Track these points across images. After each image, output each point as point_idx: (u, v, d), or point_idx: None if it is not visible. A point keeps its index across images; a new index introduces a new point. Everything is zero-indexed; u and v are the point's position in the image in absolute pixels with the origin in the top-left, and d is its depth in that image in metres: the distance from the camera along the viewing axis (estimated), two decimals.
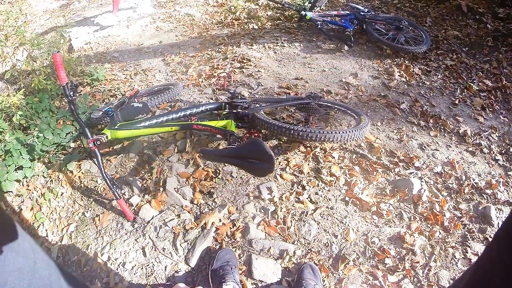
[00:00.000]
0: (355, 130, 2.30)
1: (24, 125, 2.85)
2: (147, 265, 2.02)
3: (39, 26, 6.28)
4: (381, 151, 2.69)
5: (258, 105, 2.62)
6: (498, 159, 2.90)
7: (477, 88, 3.69)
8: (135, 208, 2.29)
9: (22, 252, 0.46)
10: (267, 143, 2.66)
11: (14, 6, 6.35)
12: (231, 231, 2.14)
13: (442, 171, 2.64)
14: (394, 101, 3.32)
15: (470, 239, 2.26)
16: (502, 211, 2.49)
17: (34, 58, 3.64)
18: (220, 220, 2.19)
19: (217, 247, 2.06)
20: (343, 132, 2.24)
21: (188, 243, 2.09)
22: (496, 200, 2.54)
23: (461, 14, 5.17)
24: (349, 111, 2.72)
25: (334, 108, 2.84)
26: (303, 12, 4.55)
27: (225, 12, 5.47)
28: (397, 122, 3.07)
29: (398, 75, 3.71)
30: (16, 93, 2.93)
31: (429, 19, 5.08)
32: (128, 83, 3.69)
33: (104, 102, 3.28)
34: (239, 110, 2.54)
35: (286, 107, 2.92)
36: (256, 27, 4.82)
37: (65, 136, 2.76)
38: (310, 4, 4.79)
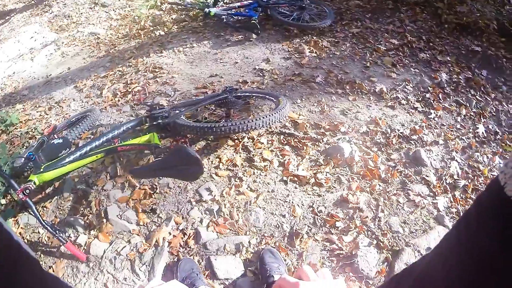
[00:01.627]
0: (276, 112, 2.47)
1: None
2: None
3: None
4: (306, 125, 2.90)
5: (177, 111, 2.71)
6: (417, 107, 3.25)
7: (385, 48, 4.07)
8: (85, 247, 2.27)
9: None
10: (195, 145, 2.76)
11: None
12: (183, 241, 2.21)
13: (368, 129, 2.91)
14: (309, 76, 3.57)
15: (409, 182, 2.54)
16: (432, 151, 2.81)
17: None
18: (170, 234, 2.24)
19: (175, 260, 2.12)
20: (264, 117, 2.40)
21: (146, 265, 2.12)
22: (424, 142, 2.87)
23: None
24: (267, 96, 2.90)
25: (252, 97, 3.01)
26: (206, 9, 4.67)
27: (129, 24, 5.50)
28: (316, 96, 3.31)
29: (309, 52, 3.99)
30: None
31: None
32: (44, 120, 3.61)
33: (24, 147, 3.19)
34: (159, 121, 2.61)
35: (206, 106, 3.03)
36: (163, 33, 4.90)
37: None
38: (213, 0, 4.97)
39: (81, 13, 6.44)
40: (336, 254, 2.09)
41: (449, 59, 3.99)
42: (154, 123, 2.63)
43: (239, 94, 2.90)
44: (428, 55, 4.02)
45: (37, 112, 3.81)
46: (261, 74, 3.67)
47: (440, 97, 3.41)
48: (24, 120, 3.66)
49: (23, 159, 2.53)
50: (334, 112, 3.09)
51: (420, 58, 3.96)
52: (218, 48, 4.30)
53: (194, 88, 3.56)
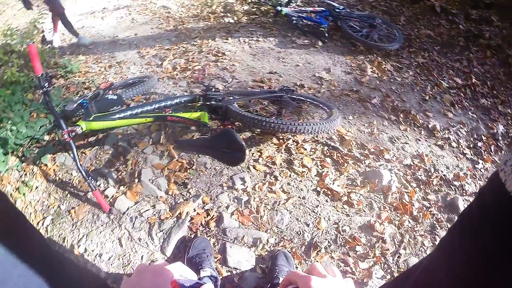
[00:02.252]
0: (326, 123, 2.46)
1: None
2: (124, 256, 2.09)
3: (11, 16, 6.27)
4: (352, 143, 2.87)
5: (231, 98, 2.74)
6: (466, 153, 3.14)
7: (447, 85, 3.96)
8: (111, 200, 2.36)
9: None
10: (241, 135, 2.80)
11: None
12: (205, 221, 2.25)
13: (411, 163, 2.85)
14: (365, 96, 3.52)
15: (438, 228, 2.45)
16: (469, 202, 2.71)
17: (7, 50, 3.66)
18: (194, 210, 2.29)
19: (192, 236, 2.17)
20: (314, 124, 2.40)
21: (163, 233, 2.17)
22: (464, 191, 2.77)
23: (434, 14, 5.49)
24: (321, 105, 2.89)
25: (306, 102, 3.00)
26: (279, 8, 4.71)
27: (201, 6, 5.59)
28: (368, 116, 3.26)
29: (371, 71, 3.94)
30: None
31: (403, 18, 5.37)
32: (102, 75, 3.75)
33: (79, 95, 3.33)
34: (212, 102, 2.65)
35: (259, 100, 3.06)
36: (232, 21, 4.96)
37: (39, 129, 2.78)
38: (286, 0, 4.98)
39: None
40: (348, 277, 2.07)
41: (510, 111, 3.83)
42: (207, 103, 2.66)
43: (294, 96, 2.91)
44: (489, 102, 3.88)
45: (97, 66, 3.96)
46: (319, 82, 3.66)
47: (492, 149, 3.28)
48: (84, 71, 3.81)
49: (76, 104, 2.64)
50: (383, 137, 3.04)
51: (481, 104, 3.83)
52: (283, 47, 4.31)
53: (251, 80, 3.59)
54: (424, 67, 4.24)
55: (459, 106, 3.71)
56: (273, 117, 2.72)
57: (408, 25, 5.21)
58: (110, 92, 2.89)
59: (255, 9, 5.39)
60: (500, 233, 0.40)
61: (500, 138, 3.43)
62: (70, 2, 6.18)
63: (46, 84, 2.22)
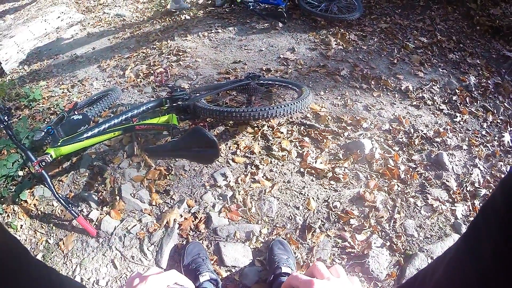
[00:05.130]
0: (297, 102, 2.39)
1: None
2: (120, 277, 2.01)
3: None
4: (328, 118, 2.82)
5: (198, 95, 2.66)
6: (443, 109, 3.13)
7: (414, 46, 3.94)
8: (96, 223, 2.27)
9: None
10: (214, 130, 2.72)
11: None
12: (194, 224, 2.18)
13: (390, 127, 2.82)
14: (334, 69, 3.47)
15: (428, 186, 2.44)
16: (454, 155, 2.70)
17: None
18: (181, 216, 2.22)
19: (184, 242, 2.09)
20: (285, 106, 2.33)
21: (155, 246, 2.10)
22: (447, 146, 2.75)
23: None
24: (290, 85, 2.82)
25: (275, 85, 2.93)
26: None
27: (155, 7, 5.47)
28: (340, 89, 3.22)
29: (335, 44, 3.89)
30: None
31: None
32: (66, 97, 3.63)
33: (45, 122, 3.21)
34: (179, 103, 2.57)
35: (227, 92, 2.97)
36: (188, 17, 4.87)
37: (12, 165, 2.66)
38: None
39: None
40: (347, 252, 2.03)
41: (479, 62, 3.84)
42: (174, 104, 2.59)
43: (261, 81, 2.83)
44: (457, 57, 3.88)
45: (60, 89, 3.83)
46: (285, 64, 3.59)
47: (467, 101, 3.28)
48: (47, 97, 3.68)
49: (43, 132, 2.54)
50: (357, 107, 3.00)
51: (449, 59, 3.83)
52: (243, 35, 4.23)
53: (216, 73, 3.50)
54: (388, 32, 4.21)
55: (428, 64, 3.70)
56: (243, 107, 2.65)
57: None
58: (76, 112, 2.79)
59: (210, 1, 5.29)
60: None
61: (473, 89, 3.43)
62: (23, 29, 5.98)
63: (6, 118, 2.12)
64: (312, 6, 4.39)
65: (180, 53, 3.92)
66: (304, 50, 3.82)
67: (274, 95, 3.05)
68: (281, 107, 2.31)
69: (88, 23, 5.46)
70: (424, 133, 2.81)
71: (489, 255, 0.40)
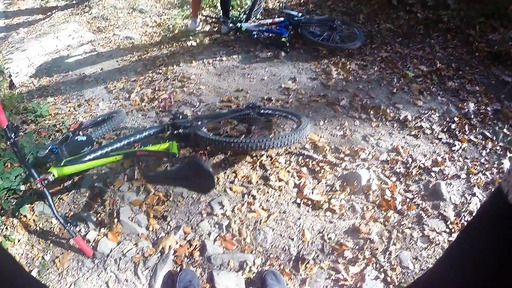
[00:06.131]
0: (295, 133, 2.43)
1: None
2: None
3: None
4: (326, 149, 2.85)
5: (199, 123, 2.72)
6: (441, 138, 3.14)
7: (413, 75, 3.98)
8: (93, 244, 2.30)
9: None
10: (213, 158, 2.76)
11: None
12: (189, 251, 2.20)
13: (388, 158, 2.83)
14: (334, 99, 3.52)
15: (425, 216, 2.44)
16: (452, 185, 2.70)
17: None
18: (177, 242, 2.25)
19: (178, 269, 2.12)
20: (283, 137, 2.37)
21: (149, 270, 2.13)
22: (445, 175, 2.76)
23: (392, 7, 5.55)
24: (289, 115, 2.86)
25: (274, 115, 2.98)
26: (239, 24, 4.72)
27: (163, 32, 5.61)
28: (339, 119, 3.26)
29: (336, 73, 3.95)
30: None
31: (362, 16, 5.42)
32: (72, 115, 3.72)
33: (50, 139, 3.30)
34: (181, 130, 2.63)
35: (228, 120, 3.03)
36: (194, 44, 4.97)
37: (14, 179, 2.72)
38: (245, 15, 5.00)
39: (119, 17, 6.63)
40: (341, 285, 2.02)
41: (478, 88, 3.85)
42: (175, 132, 2.65)
43: (262, 111, 2.89)
44: (456, 84, 3.90)
45: (66, 107, 3.93)
46: (287, 93, 3.65)
47: (466, 129, 3.28)
48: (54, 114, 3.77)
49: (47, 150, 2.61)
50: (356, 137, 3.03)
51: (448, 87, 3.85)
52: (247, 63, 4.32)
53: (219, 101, 3.58)
54: (388, 61, 4.26)
55: (428, 93, 3.72)
56: (242, 137, 2.69)
57: (368, 22, 5.26)
58: (80, 132, 2.86)
59: (216, 28, 5.41)
60: (502, 242, 0.40)
61: (472, 116, 3.44)
62: (35, 43, 6.18)
63: (13, 134, 2.24)
64: (314, 36, 4.48)
65: (185, 80, 4.00)
66: (305, 80, 3.89)
67: (274, 124, 3.10)
68: (279, 138, 2.35)
69: (98, 43, 5.59)
70: (422, 163, 2.82)
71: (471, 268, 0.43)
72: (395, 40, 4.75)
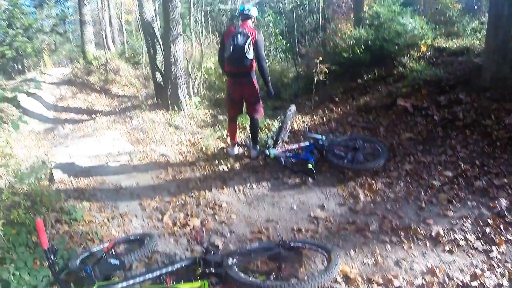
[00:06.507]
0: (324, 274, 2.57)
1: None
2: None
3: (23, 146, 6.82)
4: (358, 280, 2.89)
5: (230, 260, 2.85)
6: (477, 246, 3.11)
7: (440, 183, 4.06)
8: None
9: None
10: None
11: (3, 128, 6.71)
12: None
13: (423, 281, 2.82)
14: (363, 224, 3.62)
15: None
16: None
17: (16, 190, 3.96)
18: None
19: None
20: (312, 280, 2.51)
21: None
22: None
23: (409, 115, 5.86)
24: (319, 249, 3.00)
25: (304, 247, 3.12)
26: (267, 151, 5.04)
27: (197, 152, 5.94)
28: (370, 245, 3.31)
29: (363, 196, 4.11)
30: None
31: (382, 128, 5.74)
32: (105, 227, 3.91)
33: (82, 247, 3.47)
34: (212, 269, 2.80)
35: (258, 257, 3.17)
36: (226, 169, 5.22)
37: (42, 279, 2.86)
38: (273, 141, 5.39)
39: (156, 131, 7.14)
40: None
41: (506, 181, 3.84)
42: (207, 270, 2.80)
43: (291, 244, 3.05)
44: (484, 182, 3.92)
45: (101, 216, 4.13)
46: (315, 222, 3.80)
47: (502, 228, 3.24)
48: (88, 220, 3.95)
49: (79, 262, 2.88)
50: (388, 263, 3.06)
51: (476, 187, 3.88)
52: (276, 190, 4.55)
53: (249, 232, 3.76)
54: (413, 173, 4.40)
55: (456, 200, 3.76)
56: (272, 277, 2.84)
57: (388, 134, 5.54)
58: (113, 251, 3.04)
59: (245, 152, 5.66)
60: None
61: (506, 213, 3.40)
62: (78, 143, 6.66)
63: (52, 256, 2.46)
64: (339, 158, 4.72)
65: (216, 207, 4.22)
66: (333, 206, 4.06)
67: (304, 257, 3.19)
68: (308, 282, 2.49)
69: (136, 156, 5.87)
70: (460, 280, 2.77)
71: None
72: (417, 148, 4.93)
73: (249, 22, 5.03)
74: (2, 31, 15.55)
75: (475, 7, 10.49)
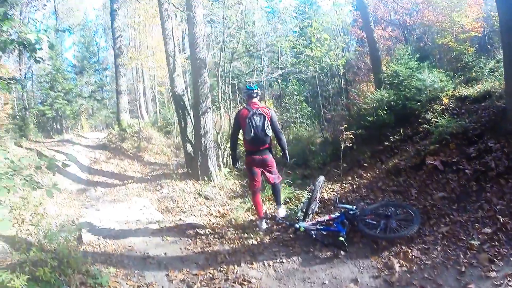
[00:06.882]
0: None
1: None
2: None
3: (55, 203, 6.89)
4: None
5: None
6: None
7: (479, 243, 3.85)
8: None
9: None
10: None
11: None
12: None
13: None
14: None
15: None
16: None
17: (44, 248, 3.99)
18: None
19: None
20: None
21: None
22: None
23: (439, 173, 5.70)
24: None
25: None
26: (297, 225, 4.98)
27: (226, 224, 5.88)
28: None
29: (398, 266, 3.93)
30: (20, 275, 3.16)
31: (414, 190, 5.60)
32: None
33: None
34: None
35: None
36: (255, 242, 5.13)
37: None
38: (302, 213, 5.30)
39: (186, 201, 7.15)
40: None
41: None
42: None
43: None
44: None
45: (126, 284, 4.05)
46: None
47: None
48: (113, 287, 3.90)
49: None
50: None
51: None
52: (307, 265, 4.41)
53: None
54: (450, 235, 4.21)
55: (498, 258, 3.54)
56: None
57: (421, 195, 5.38)
58: None
59: (275, 226, 5.58)
60: None
61: None
62: (108, 207, 6.73)
63: None
64: (371, 227, 4.61)
65: (245, 283, 4.12)
66: (367, 279, 3.90)
67: None
68: None
69: (165, 226, 5.84)
70: None
71: None
72: (451, 207, 4.76)
73: (257, 100, 5.33)
74: (44, 92, 17.11)
75: (488, 46, 10.54)
